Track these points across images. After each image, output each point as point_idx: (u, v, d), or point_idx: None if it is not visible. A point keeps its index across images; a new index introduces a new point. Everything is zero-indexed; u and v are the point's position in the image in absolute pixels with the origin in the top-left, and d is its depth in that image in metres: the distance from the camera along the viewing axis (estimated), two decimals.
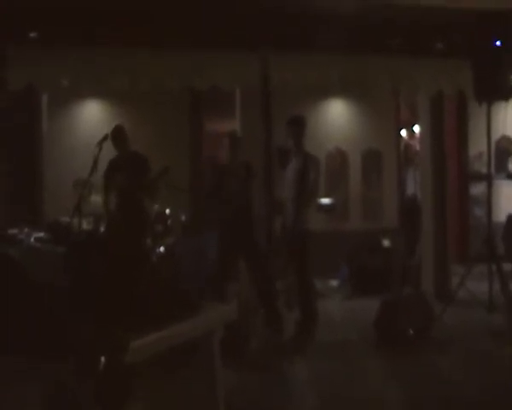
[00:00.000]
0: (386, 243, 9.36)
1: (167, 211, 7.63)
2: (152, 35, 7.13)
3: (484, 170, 10.23)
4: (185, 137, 9.97)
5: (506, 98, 7.21)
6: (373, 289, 8.28)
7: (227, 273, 6.77)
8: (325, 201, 8.51)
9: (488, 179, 7.58)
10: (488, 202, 7.48)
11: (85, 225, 6.99)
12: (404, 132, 11.17)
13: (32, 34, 7.08)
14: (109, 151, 6.86)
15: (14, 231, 6.79)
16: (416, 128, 10.46)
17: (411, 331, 6.43)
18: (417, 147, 10.13)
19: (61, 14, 6.81)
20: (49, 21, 6.93)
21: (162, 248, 7.38)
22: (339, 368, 5.98)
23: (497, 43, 6.93)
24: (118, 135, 7.16)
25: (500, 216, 9.65)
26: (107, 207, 7.11)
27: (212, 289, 6.62)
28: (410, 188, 10.88)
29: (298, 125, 6.82)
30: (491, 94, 7.06)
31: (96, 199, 7.24)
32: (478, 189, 10.86)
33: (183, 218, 7.77)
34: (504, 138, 10.91)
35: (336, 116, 10.46)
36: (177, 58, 7.43)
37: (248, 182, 6.76)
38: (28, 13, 6.79)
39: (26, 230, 6.85)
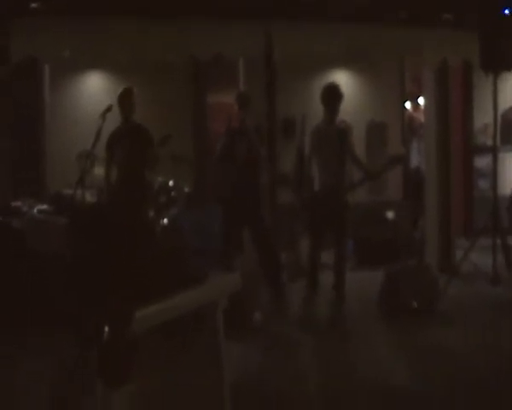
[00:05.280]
0: (390, 215, 9.34)
1: (170, 182, 7.60)
2: (154, 5, 7.06)
3: (489, 142, 10.18)
4: (188, 108, 9.92)
5: None
6: (377, 261, 8.26)
7: (232, 243, 6.76)
8: None
9: (494, 152, 7.53)
10: (494, 174, 7.44)
11: (89, 198, 6.96)
12: (408, 104, 11.11)
13: (33, 5, 7.01)
14: (112, 123, 6.80)
15: (17, 203, 6.78)
16: (421, 100, 10.40)
17: (415, 303, 6.43)
18: (422, 119, 10.07)
19: None
20: None
21: (166, 220, 7.35)
22: (342, 340, 6.00)
23: (506, 11, 6.84)
24: (126, 98, 7.02)
25: (505, 189, 9.60)
26: (109, 179, 7.06)
27: (217, 259, 6.62)
28: (415, 160, 10.84)
29: (338, 95, 6.80)
30: (498, 64, 6.99)
31: (100, 171, 7.20)
32: (483, 161, 10.81)
33: (187, 189, 7.74)
34: (511, 110, 10.82)
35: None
36: (179, 28, 7.36)
37: (258, 145, 6.76)
38: None
39: (29, 202, 6.84)
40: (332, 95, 6.78)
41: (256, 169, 6.84)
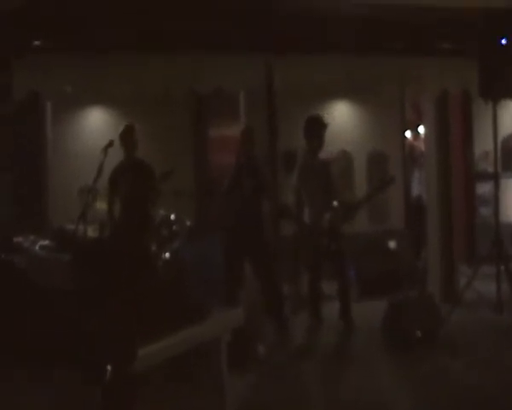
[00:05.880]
0: (392, 244, 9.33)
1: (172, 216, 7.62)
2: (154, 40, 7.12)
3: (490, 169, 10.18)
4: (189, 140, 9.95)
5: None
6: (380, 291, 8.23)
7: (234, 274, 6.75)
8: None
9: (495, 178, 7.54)
10: (495, 201, 7.45)
11: (91, 233, 6.97)
12: (408, 133, 11.14)
13: (36, 42, 7.08)
14: (114, 158, 6.84)
15: (18, 239, 6.76)
16: (421, 129, 10.43)
17: (419, 333, 6.41)
18: (422, 148, 10.09)
19: (63, 22, 6.81)
20: (53, 29, 6.93)
21: (168, 254, 7.36)
22: (346, 371, 5.97)
23: (503, 41, 6.91)
24: (128, 135, 7.08)
25: (507, 215, 9.59)
26: (112, 214, 7.08)
27: (219, 291, 6.61)
28: (416, 189, 10.84)
29: (323, 125, 6.84)
30: (497, 92, 7.04)
31: (102, 206, 7.23)
32: (484, 188, 10.80)
33: (189, 223, 7.75)
34: (511, 137, 10.84)
35: (341, 118, 10.42)
36: (180, 62, 7.42)
37: (263, 181, 6.77)
38: (32, 21, 6.79)
39: (31, 238, 6.82)
40: (317, 125, 6.83)
41: (261, 201, 6.84)
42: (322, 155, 6.98)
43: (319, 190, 6.66)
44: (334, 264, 6.73)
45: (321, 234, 6.61)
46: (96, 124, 9.80)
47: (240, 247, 6.74)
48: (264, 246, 6.82)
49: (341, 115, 10.49)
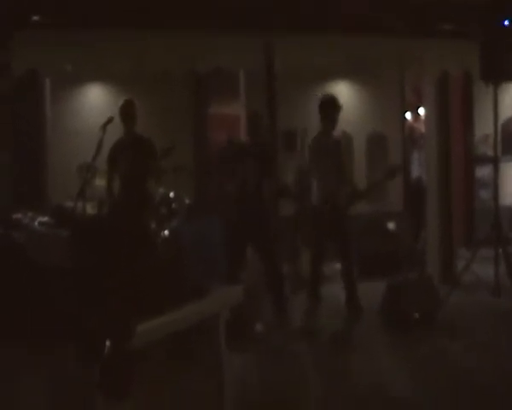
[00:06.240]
0: (391, 226, 9.33)
1: (171, 194, 7.60)
2: (154, 17, 7.07)
3: (489, 153, 10.17)
4: (189, 118, 9.92)
5: None
6: (379, 272, 8.24)
7: (236, 259, 6.71)
8: None
9: (495, 162, 7.53)
10: (495, 184, 7.44)
11: (89, 210, 6.95)
12: (408, 115, 11.11)
13: (35, 18, 7.02)
14: (113, 134, 6.80)
15: (17, 215, 6.75)
16: (421, 110, 10.40)
17: (417, 315, 6.42)
18: (422, 130, 10.07)
19: None
20: (51, 5, 6.88)
21: (166, 232, 7.35)
22: (345, 352, 5.98)
23: (506, 22, 6.87)
24: (128, 110, 7.03)
25: (506, 199, 9.59)
26: (111, 191, 7.06)
27: (219, 272, 6.60)
28: (416, 171, 10.83)
29: (337, 107, 6.82)
30: (499, 75, 7.01)
31: (100, 183, 7.21)
32: (484, 171, 10.80)
33: (188, 201, 7.74)
34: (511, 120, 10.82)
35: (341, 99, 10.29)
36: (180, 40, 7.37)
37: (267, 165, 6.71)
38: None
39: (29, 214, 6.81)
40: (331, 105, 6.80)
41: (264, 183, 6.77)
42: (335, 134, 6.96)
43: (332, 170, 6.63)
44: (338, 245, 6.71)
45: (328, 213, 6.56)
46: (95, 101, 9.76)
47: (242, 229, 6.70)
48: (266, 228, 6.79)
49: (341, 96, 10.29)
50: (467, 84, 10.25)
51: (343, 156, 6.82)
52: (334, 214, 6.55)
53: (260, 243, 6.74)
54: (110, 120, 6.37)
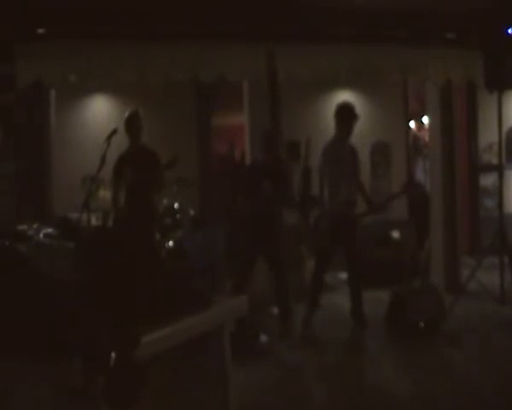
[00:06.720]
0: (395, 234, 9.32)
1: (176, 205, 7.62)
2: (158, 28, 7.09)
3: (494, 161, 10.18)
4: (193, 129, 9.94)
5: None
6: (383, 281, 8.24)
7: (245, 270, 6.69)
8: None
9: (499, 170, 7.53)
10: (499, 192, 7.44)
11: (94, 221, 6.98)
12: (412, 124, 11.12)
13: (40, 30, 7.06)
14: (118, 146, 6.82)
15: (23, 227, 6.77)
16: (425, 119, 10.41)
17: (422, 324, 6.41)
18: (426, 138, 10.07)
19: (67, 10, 6.78)
20: (56, 17, 6.91)
21: (171, 243, 7.37)
22: (349, 361, 5.97)
23: (509, 31, 6.89)
24: (133, 120, 7.05)
25: (511, 207, 9.58)
26: (116, 202, 7.07)
27: (223, 282, 6.60)
28: (419, 179, 10.83)
29: (354, 116, 6.79)
30: (502, 82, 7.01)
31: (105, 194, 7.23)
32: (488, 180, 10.79)
33: (192, 212, 7.76)
34: None
35: None
36: (183, 51, 7.38)
37: (281, 179, 6.70)
38: (35, 9, 6.76)
39: (34, 226, 6.82)
40: (350, 113, 6.76)
41: (276, 197, 6.72)
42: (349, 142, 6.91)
43: (346, 177, 6.58)
44: (346, 254, 6.67)
45: (341, 221, 6.50)
46: (100, 112, 9.81)
47: (253, 240, 6.68)
48: (277, 240, 6.77)
49: None
50: (471, 91, 10.25)
51: (359, 165, 6.79)
52: (346, 223, 6.51)
53: (271, 254, 6.73)
54: (114, 132, 6.37)
